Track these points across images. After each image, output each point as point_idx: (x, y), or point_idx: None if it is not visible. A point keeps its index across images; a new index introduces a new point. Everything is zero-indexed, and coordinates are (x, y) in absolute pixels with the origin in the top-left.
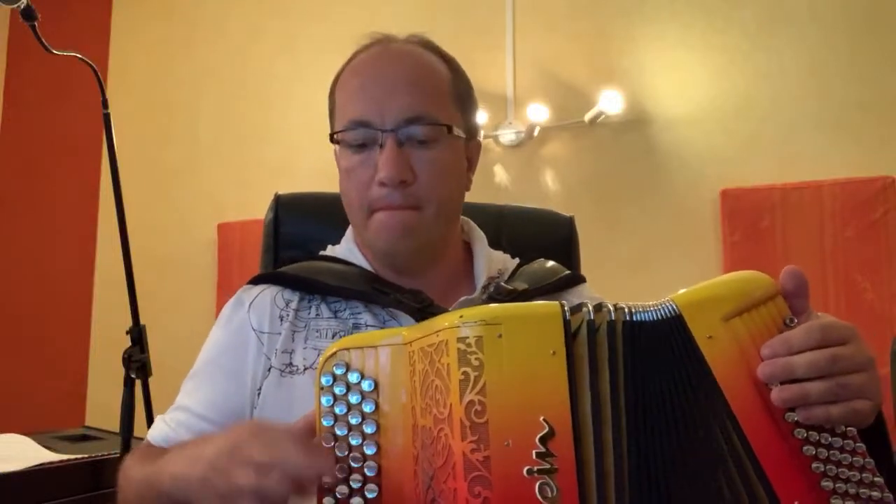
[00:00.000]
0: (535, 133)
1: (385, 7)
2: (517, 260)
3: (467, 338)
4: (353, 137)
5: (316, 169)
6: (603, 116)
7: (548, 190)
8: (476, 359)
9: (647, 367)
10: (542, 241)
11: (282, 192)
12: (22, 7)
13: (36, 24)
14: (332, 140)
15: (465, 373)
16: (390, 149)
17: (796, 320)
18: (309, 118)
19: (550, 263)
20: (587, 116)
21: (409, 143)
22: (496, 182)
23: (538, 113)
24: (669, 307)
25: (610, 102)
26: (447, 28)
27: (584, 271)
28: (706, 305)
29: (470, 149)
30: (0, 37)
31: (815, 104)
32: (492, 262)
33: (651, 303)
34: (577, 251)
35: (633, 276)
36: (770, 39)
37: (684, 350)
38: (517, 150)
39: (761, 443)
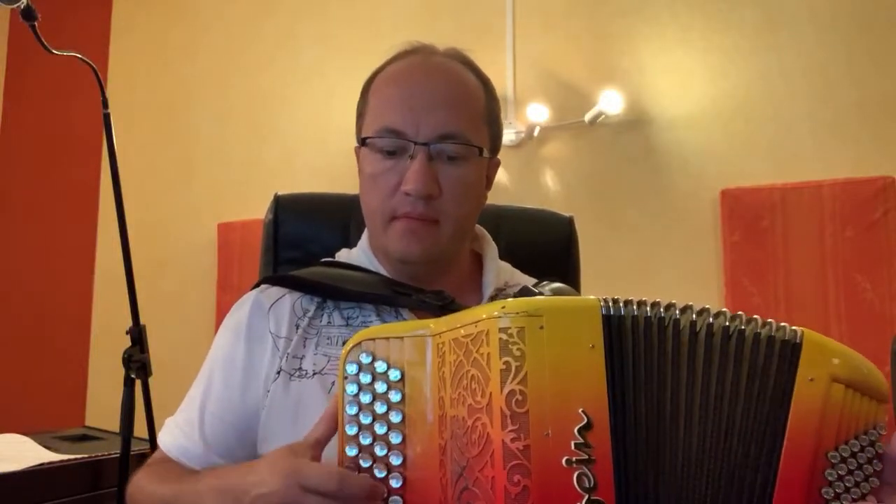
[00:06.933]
0: (535, 133)
1: (386, 7)
2: (533, 279)
3: (509, 328)
4: (384, 144)
5: (316, 169)
6: (603, 116)
7: (548, 190)
8: (518, 349)
9: (723, 372)
10: (542, 241)
11: (281, 192)
12: (22, 7)
13: (36, 24)
14: (362, 143)
15: (506, 362)
16: (420, 162)
17: (884, 432)
18: (309, 118)
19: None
20: (587, 116)
21: (439, 157)
22: (496, 182)
23: (538, 113)
24: (797, 333)
25: (610, 102)
26: (447, 28)
27: (583, 271)
28: (828, 355)
29: (490, 167)
30: (0, 37)
31: (815, 104)
32: (500, 274)
33: (782, 323)
34: (577, 251)
35: (632, 275)
36: (769, 40)
37: (778, 373)
38: (517, 150)
39: (784, 495)
